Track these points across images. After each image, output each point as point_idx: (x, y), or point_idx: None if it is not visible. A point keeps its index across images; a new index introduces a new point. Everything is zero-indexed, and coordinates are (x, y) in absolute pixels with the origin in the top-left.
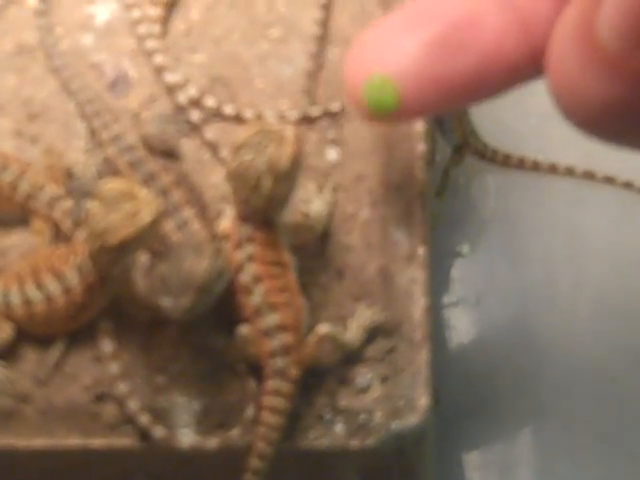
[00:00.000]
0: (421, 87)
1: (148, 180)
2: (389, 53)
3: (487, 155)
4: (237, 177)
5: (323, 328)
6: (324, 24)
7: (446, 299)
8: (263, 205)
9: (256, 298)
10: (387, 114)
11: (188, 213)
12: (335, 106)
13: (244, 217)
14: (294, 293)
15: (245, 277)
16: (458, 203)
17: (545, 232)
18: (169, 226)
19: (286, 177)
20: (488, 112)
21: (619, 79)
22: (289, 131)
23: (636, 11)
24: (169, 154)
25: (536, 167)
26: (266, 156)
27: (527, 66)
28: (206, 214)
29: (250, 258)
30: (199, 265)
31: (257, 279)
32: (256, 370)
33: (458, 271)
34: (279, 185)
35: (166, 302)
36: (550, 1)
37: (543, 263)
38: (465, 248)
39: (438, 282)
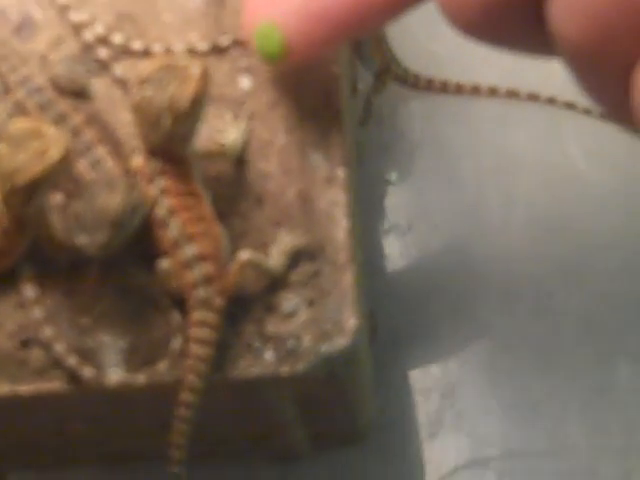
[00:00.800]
0: (306, 28)
1: (59, 121)
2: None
3: (409, 81)
4: (138, 112)
5: (244, 255)
6: None
7: (378, 227)
8: (162, 143)
9: (173, 231)
10: (276, 60)
11: (101, 151)
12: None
13: (150, 152)
14: (210, 222)
15: (160, 210)
16: (384, 131)
17: (473, 154)
18: (82, 165)
19: (186, 117)
20: (406, 37)
21: None
22: (196, 68)
23: None
24: (80, 94)
25: (459, 90)
26: (167, 94)
27: None
28: (120, 151)
29: (163, 191)
30: (112, 200)
31: (172, 212)
32: (180, 303)
33: (389, 199)
34: (179, 124)
35: (82, 239)
36: None
37: (473, 185)
38: (394, 175)
39: (369, 210)
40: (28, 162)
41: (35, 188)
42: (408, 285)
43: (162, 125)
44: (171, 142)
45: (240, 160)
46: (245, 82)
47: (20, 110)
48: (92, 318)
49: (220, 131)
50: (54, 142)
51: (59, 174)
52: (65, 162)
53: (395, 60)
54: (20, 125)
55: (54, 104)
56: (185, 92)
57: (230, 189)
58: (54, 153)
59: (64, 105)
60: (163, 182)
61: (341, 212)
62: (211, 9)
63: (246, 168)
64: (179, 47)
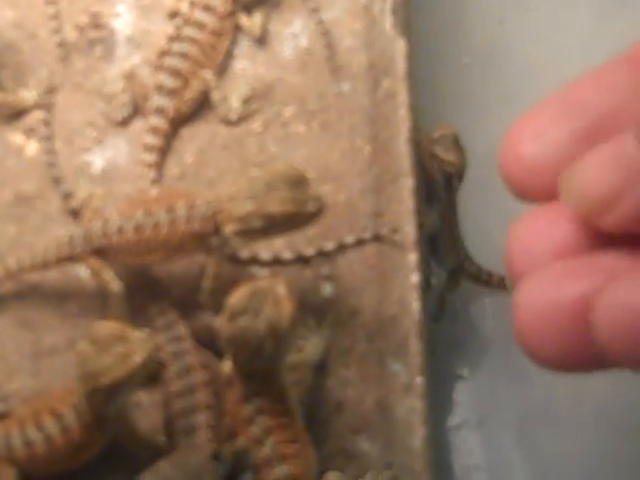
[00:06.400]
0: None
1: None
2: (536, 141)
3: (482, 278)
4: (235, 342)
5: (332, 478)
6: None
7: (449, 422)
8: (266, 365)
9: (266, 450)
10: None
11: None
12: (329, 245)
13: (246, 375)
14: (304, 443)
15: (255, 429)
16: (456, 327)
17: None
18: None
19: (287, 337)
20: (480, 235)
21: None
22: (281, 287)
23: None
24: None
25: None
26: (264, 320)
27: None
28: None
29: (259, 411)
30: None
31: (267, 431)
32: None
33: (460, 394)
34: (280, 345)
35: None
36: None
37: (543, 382)
38: (466, 371)
39: (440, 406)
40: (111, 365)
41: (117, 389)
42: None
43: (266, 349)
44: (271, 363)
45: (320, 366)
46: (327, 289)
47: None
48: None
49: (299, 337)
50: (138, 347)
51: (141, 376)
52: (148, 365)
53: (469, 258)
54: (106, 328)
55: None
56: (282, 314)
57: (310, 395)
58: (137, 357)
59: None
60: (259, 401)
61: (419, 420)
62: None
63: (326, 374)
64: (266, 256)
